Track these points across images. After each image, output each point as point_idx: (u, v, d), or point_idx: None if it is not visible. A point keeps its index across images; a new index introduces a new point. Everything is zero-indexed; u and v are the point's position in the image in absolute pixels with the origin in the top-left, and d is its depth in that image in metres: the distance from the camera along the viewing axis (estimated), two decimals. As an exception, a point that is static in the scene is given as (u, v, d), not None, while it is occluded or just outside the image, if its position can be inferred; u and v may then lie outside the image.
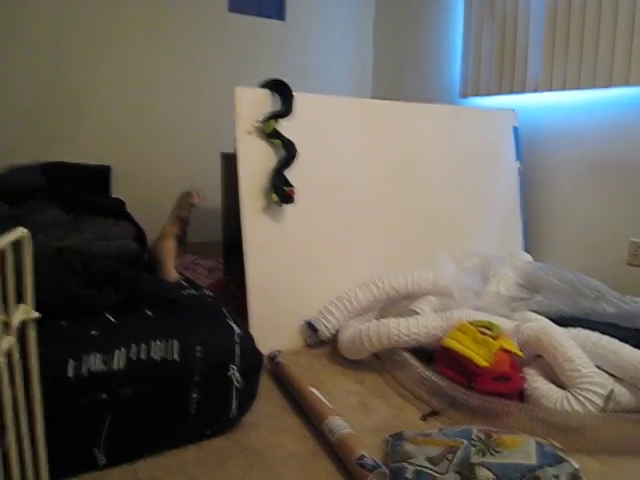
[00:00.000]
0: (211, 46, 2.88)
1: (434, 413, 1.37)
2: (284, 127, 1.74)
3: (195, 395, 1.16)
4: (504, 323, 1.55)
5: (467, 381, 1.38)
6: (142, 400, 1.10)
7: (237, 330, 1.25)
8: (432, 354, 1.53)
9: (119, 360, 1.09)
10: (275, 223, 1.75)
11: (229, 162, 2.03)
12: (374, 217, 1.96)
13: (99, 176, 2.38)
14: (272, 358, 1.58)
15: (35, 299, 1.17)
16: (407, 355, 1.53)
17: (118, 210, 2.07)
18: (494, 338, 1.42)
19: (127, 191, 2.50)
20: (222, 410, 1.22)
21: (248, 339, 1.26)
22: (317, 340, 1.75)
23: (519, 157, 2.39)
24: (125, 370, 1.08)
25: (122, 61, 2.70)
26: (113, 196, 2.36)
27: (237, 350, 1.21)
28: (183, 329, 1.20)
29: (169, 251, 1.56)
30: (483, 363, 1.36)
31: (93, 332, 1.13)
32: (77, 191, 2.04)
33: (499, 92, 2.51)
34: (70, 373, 1.04)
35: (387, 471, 1.05)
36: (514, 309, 1.73)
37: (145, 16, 2.72)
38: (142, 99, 2.74)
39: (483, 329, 1.47)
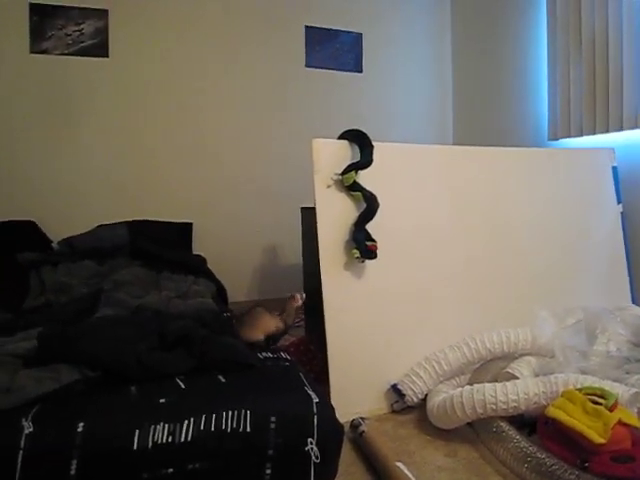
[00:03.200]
0: (290, 101, 2.91)
1: (541, 498, 1.20)
2: (364, 179, 1.68)
3: (269, 471, 1.07)
4: (618, 389, 1.37)
5: (579, 460, 1.21)
6: (210, 476, 1.03)
7: (315, 399, 1.16)
8: (534, 424, 1.38)
9: (187, 431, 1.02)
10: (356, 280, 1.68)
11: (308, 216, 1.99)
12: (463, 272, 1.86)
13: (181, 233, 2.41)
14: (355, 426, 1.49)
15: (104, 361, 1.16)
16: (505, 426, 1.38)
17: (199, 267, 2.08)
18: (609, 409, 1.24)
19: (209, 248, 2.52)
20: None
21: (327, 409, 1.17)
22: (404, 406, 1.65)
23: (620, 199, 2.21)
24: (193, 442, 1.01)
25: (201, 117, 2.75)
26: (194, 253, 2.38)
27: (315, 421, 1.12)
28: (257, 398, 1.12)
29: (264, 321, 1.55)
30: (599, 439, 1.18)
31: (162, 400, 1.07)
32: (159, 248, 2.06)
33: (593, 131, 2.33)
34: (135, 445, 0.97)
35: None
36: (629, 372, 1.54)
37: (227, 72, 2.79)
38: (223, 154, 2.78)
39: (595, 397, 1.30)
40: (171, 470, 1.00)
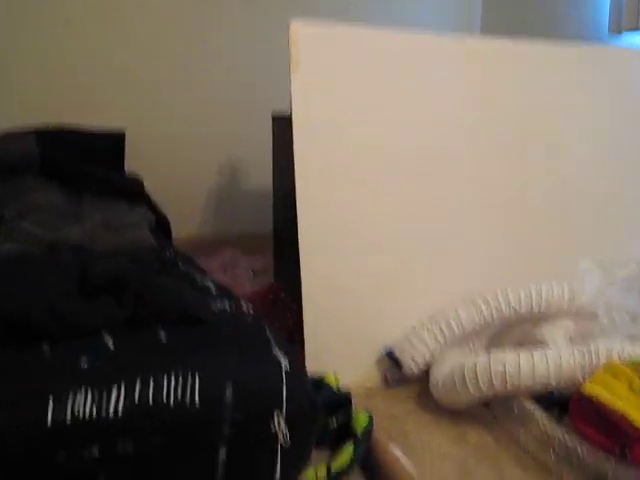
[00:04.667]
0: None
1: (569, 494, 1.27)
2: (357, 78, 1.68)
3: (223, 456, 1.10)
4: (676, 363, 1.41)
5: (619, 447, 1.27)
6: (147, 461, 1.05)
7: (285, 364, 1.18)
8: (565, 404, 1.43)
9: (117, 403, 1.02)
10: (343, 212, 1.70)
11: (282, 127, 1.97)
12: (481, 204, 1.89)
13: (111, 145, 2.37)
14: None
15: (3, 311, 1.15)
16: (530, 405, 1.43)
17: (134, 191, 2.06)
18: (663, 387, 1.29)
19: (148, 166, 2.50)
20: (261, 477, 1.16)
21: (300, 378, 1.20)
22: (401, 377, 1.71)
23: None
24: (124, 417, 1.02)
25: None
26: (128, 173, 2.35)
27: (284, 393, 1.14)
28: (208, 361, 1.14)
29: None
30: (646, 424, 1.23)
31: (84, 363, 1.08)
32: (81, 165, 2.03)
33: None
34: (48, 419, 0.98)
35: None
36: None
37: None
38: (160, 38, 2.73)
39: (645, 372, 1.34)
40: (96, 452, 1.01)
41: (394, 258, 1.78)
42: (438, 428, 1.51)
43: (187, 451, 1.09)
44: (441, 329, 1.67)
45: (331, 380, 1.51)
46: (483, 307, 1.68)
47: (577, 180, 2.04)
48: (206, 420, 1.09)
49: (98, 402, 1.02)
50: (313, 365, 1.59)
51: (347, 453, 1.32)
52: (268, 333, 1.28)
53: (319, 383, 1.50)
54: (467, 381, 1.48)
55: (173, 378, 1.09)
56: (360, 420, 1.37)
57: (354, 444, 1.33)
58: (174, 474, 1.09)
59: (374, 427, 1.38)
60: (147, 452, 1.05)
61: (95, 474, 1.02)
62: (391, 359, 1.69)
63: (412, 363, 1.67)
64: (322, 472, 1.30)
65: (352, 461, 1.30)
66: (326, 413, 1.46)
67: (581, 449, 1.29)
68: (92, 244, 1.61)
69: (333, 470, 1.30)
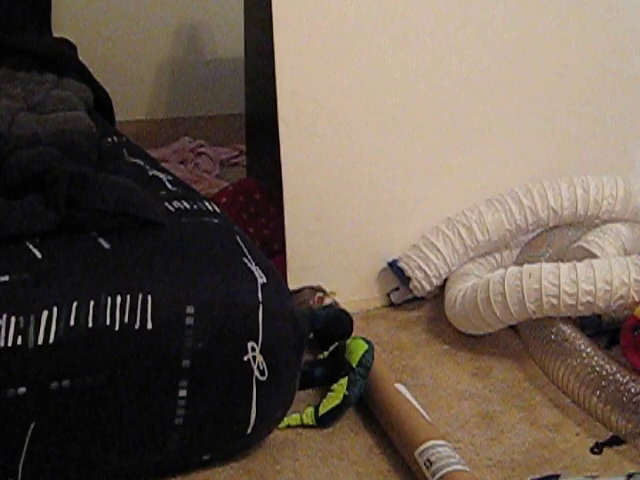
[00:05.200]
0: None
1: (616, 442, 1.31)
2: None
3: (183, 393, 1.12)
4: None
5: None
6: (88, 401, 1.07)
7: (261, 279, 1.19)
8: (616, 332, 1.47)
9: (47, 329, 1.03)
10: (336, 78, 1.69)
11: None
12: (505, 74, 1.85)
13: (29, 4, 2.31)
14: None
15: None
16: (571, 331, 1.44)
17: (63, 59, 2.02)
18: None
19: (81, 28, 2.45)
20: (231, 421, 1.19)
21: (281, 296, 1.22)
22: (408, 296, 1.74)
23: None
24: (57, 346, 1.03)
25: None
26: (56, 37, 2.31)
27: (260, 315, 1.16)
28: (163, 275, 1.14)
29: None
30: None
31: (3, 278, 1.07)
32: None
33: None
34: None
35: None
36: None
37: None
38: None
39: None
40: (22, 390, 1.02)
41: (404, 144, 1.77)
42: (455, 361, 1.54)
43: (138, 387, 1.10)
44: (460, 235, 1.68)
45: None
46: (514, 208, 1.68)
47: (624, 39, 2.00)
48: (161, 349, 1.10)
49: (23, 328, 1.02)
50: (297, 283, 1.62)
51: (339, 391, 1.33)
52: (239, 241, 1.28)
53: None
54: (492, 300, 1.49)
55: (119, 298, 1.09)
56: (357, 349, 1.38)
57: (348, 380, 1.34)
58: (121, 416, 1.11)
59: (374, 358, 1.38)
60: (87, 389, 1.07)
61: (24, 418, 1.04)
62: (396, 273, 1.71)
63: (423, 277, 1.68)
64: (309, 416, 1.33)
65: (345, 401, 1.32)
66: (315, 339, 1.50)
67: (634, 387, 1.30)
68: (10, 129, 1.58)
69: (321, 412, 1.33)
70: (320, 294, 1.64)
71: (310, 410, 1.33)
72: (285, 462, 1.25)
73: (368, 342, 1.39)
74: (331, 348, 1.45)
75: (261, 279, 1.19)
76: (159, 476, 1.19)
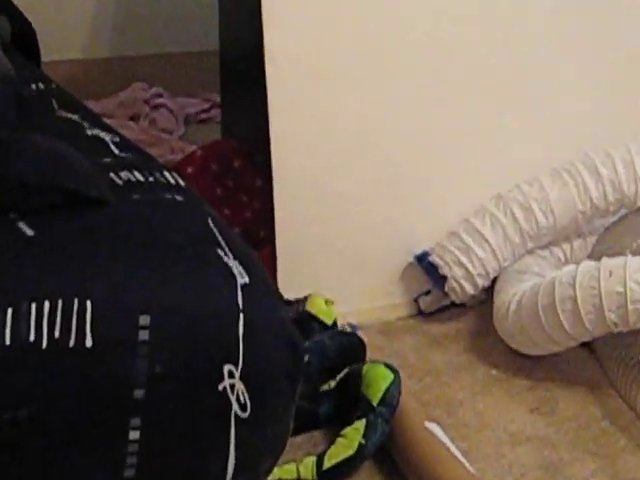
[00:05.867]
0: None
1: None
2: None
3: (135, 436, 1.10)
4: None
5: None
6: (4, 447, 1.06)
7: (241, 278, 1.19)
8: None
9: (-52, 346, 1.01)
10: (338, 15, 1.68)
11: None
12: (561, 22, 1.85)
13: None
14: None
15: None
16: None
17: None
18: None
19: None
20: (201, 474, 1.19)
21: (267, 300, 1.23)
22: (443, 302, 1.75)
23: None
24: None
25: None
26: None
27: (240, 327, 1.16)
28: (107, 273, 1.13)
29: None
30: None
31: None
32: None
33: None
34: None
35: None
36: None
37: None
38: None
39: None
40: None
41: (425, 106, 1.79)
42: (507, 391, 1.54)
43: (72, 427, 1.08)
44: (515, 219, 1.68)
45: (319, 308, 1.51)
46: (589, 181, 1.67)
47: None
48: (104, 375, 1.08)
49: None
50: (290, 284, 1.61)
51: (353, 438, 1.33)
52: (212, 225, 1.28)
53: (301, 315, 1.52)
54: (559, 308, 1.48)
55: (47, 305, 1.07)
56: (377, 380, 1.37)
57: (367, 423, 1.33)
58: (50, 466, 1.09)
59: (401, 392, 1.38)
60: (3, 429, 1.05)
61: None
62: (426, 270, 1.72)
63: (463, 276, 1.68)
64: (308, 469, 1.32)
65: (360, 453, 1.31)
66: (317, 365, 1.48)
67: None
68: None
69: (327, 465, 1.32)
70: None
71: (311, 461, 1.33)
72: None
73: (393, 370, 1.38)
74: (340, 375, 1.44)
75: (242, 278, 1.19)
76: None
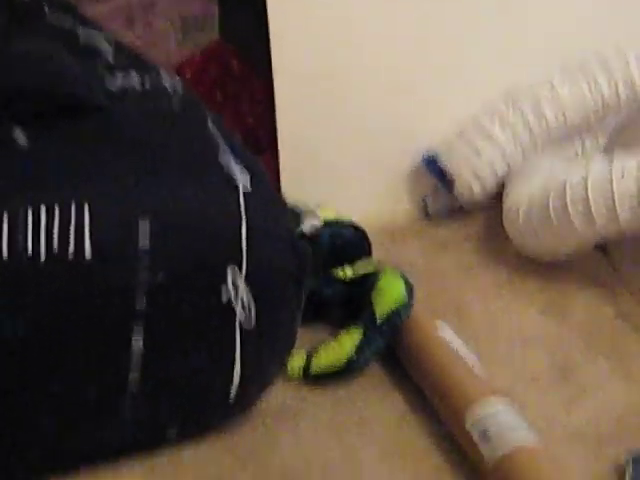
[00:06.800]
0: None
1: None
2: None
3: (138, 346, 1.11)
4: None
5: None
6: (3, 363, 1.06)
7: (244, 184, 1.18)
8: None
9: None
10: None
11: None
12: None
13: None
14: None
15: None
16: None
17: None
18: None
19: None
20: (206, 383, 1.19)
21: (271, 206, 1.22)
22: (451, 204, 1.74)
23: None
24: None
25: None
26: None
27: (243, 235, 1.15)
28: (105, 179, 1.13)
29: None
30: None
31: None
32: None
33: None
34: None
35: None
36: None
37: None
38: None
39: None
40: None
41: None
42: (518, 293, 1.54)
43: (73, 341, 1.09)
44: (524, 117, 1.66)
45: (326, 212, 1.50)
46: (601, 79, 1.65)
47: None
48: (105, 286, 1.08)
49: None
50: (294, 189, 1.60)
51: (344, 346, 1.31)
52: (212, 130, 1.26)
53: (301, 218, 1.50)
54: (570, 210, 1.47)
55: (43, 212, 1.07)
56: (389, 291, 1.35)
57: (363, 335, 1.31)
58: (50, 381, 1.10)
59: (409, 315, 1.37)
60: (2, 345, 1.05)
61: None
62: (434, 172, 1.70)
63: (472, 178, 1.67)
64: (294, 368, 1.33)
65: (348, 368, 1.31)
66: (323, 266, 1.47)
67: None
68: None
69: (313, 370, 1.32)
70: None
71: (300, 359, 1.33)
72: (283, 438, 1.25)
73: (408, 287, 1.36)
74: (360, 271, 1.42)
75: (244, 184, 1.18)
76: (109, 458, 1.20)
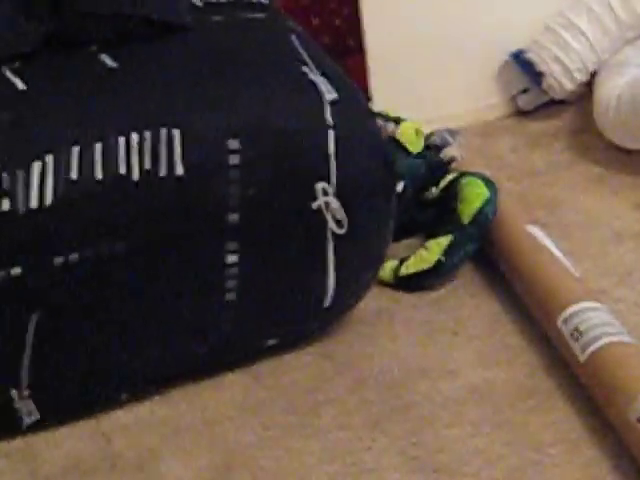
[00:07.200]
0: None
1: None
2: None
3: (233, 259, 1.14)
4: None
5: None
6: (104, 279, 1.09)
7: (329, 94, 1.18)
8: None
9: (41, 187, 1.03)
10: None
11: None
12: None
13: None
14: (427, 146, 1.54)
15: None
16: None
17: None
18: None
19: None
20: (301, 291, 1.22)
21: (358, 114, 1.22)
22: (542, 99, 1.73)
23: None
24: (56, 209, 1.04)
25: None
26: None
27: (331, 144, 1.15)
28: (192, 99, 1.14)
29: None
30: None
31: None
32: None
33: None
34: None
35: None
36: None
37: None
38: None
39: None
40: (17, 270, 1.04)
41: None
42: (610, 189, 1.52)
43: (169, 256, 1.12)
44: (612, 9, 1.63)
45: (408, 137, 1.48)
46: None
47: None
48: (197, 202, 1.11)
49: (9, 188, 1.03)
50: (383, 92, 1.61)
51: (433, 252, 1.33)
52: (295, 42, 1.26)
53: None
54: (660, 101, 1.45)
55: (134, 136, 1.08)
56: (472, 195, 1.35)
57: (452, 240, 1.33)
58: (151, 295, 1.14)
59: (497, 207, 1.36)
60: (102, 262, 1.08)
61: (22, 307, 1.07)
62: (523, 68, 1.69)
63: (561, 72, 1.65)
64: (387, 272, 1.35)
65: (437, 269, 1.33)
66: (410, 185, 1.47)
67: None
68: None
69: (403, 272, 1.34)
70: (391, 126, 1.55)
71: (392, 265, 1.35)
72: (379, 342, 1.26)
73: (490, 186, 1.35)
74: (443, 184, 1.43)
75: (329, 94, 1.17)
76: (212, 369, 1.22)
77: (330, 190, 1.16)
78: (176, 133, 1.09)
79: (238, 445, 1.12)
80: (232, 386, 1.21)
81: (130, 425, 1.17)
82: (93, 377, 1.16)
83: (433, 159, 1.46)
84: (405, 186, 1.33)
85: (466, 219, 1.32)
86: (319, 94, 1.18)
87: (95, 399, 1.18)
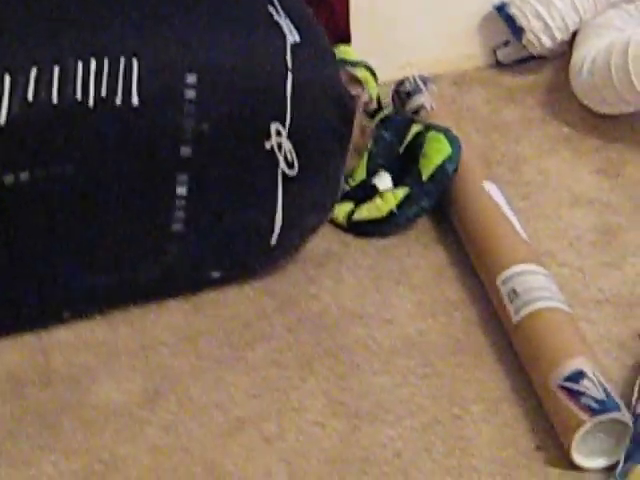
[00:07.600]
0: None
1: None
2: None
3: (182, 191, 1.15)
4: None
5: None
6: (54, 200, 1.10)
7: (292, 36, 1.18)
8: None
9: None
10: None
11: None
12: None
13: None
14: (401, 92, 1.56)
15: None
16: None
17: None
18: None
19: None
20: (248, 227, 1.23)
21: (319, 59, 1.22)
22: (520, 54, 1.72)
23: None
24: (9, 129, 1.05)
25: None
26: None
27: (288, 86, 1.16)
28: (152, 31, 1.14)
29: None
30: None
31: None
32: None
33: None
34: None
35: (629, 421, 1.01)
36: None
37: None
38: None
39: None
40: None
41: None
42: (576, 150, 1.52)
43: (119, 182, 1.13)
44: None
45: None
46: None
47: None
48: (151, 133, 1.12)
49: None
50: (362, 33, 1.60)
51: (388, 201, 1.34)
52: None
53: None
54: (632, 70, 1.46)
55: (93, 62, 1.09)
56: (434, 151, 1.35)
57: (408, 194, 1.34)
58: (98, 219, 1.15)
59: (458, 164, 1.35)
60: (52, 183, 1.10)
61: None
62: (505, 21, 1.68)
63: (541, 29, 1.64)
64: (342, 215, 1.35)
65: (388, 220, 1.34)
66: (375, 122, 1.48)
67: None
68: None
69: (357, 217, 1.35)
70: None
71: (347, 208, 1.35)
72: (323, 283, 1.28)
73: (453, 141, 1.35)
74: (409, 138, 1.42)
75: (292, 37, 1.18)
76: (155, 296, 1.24)
77: (283, 131, 1.16)
78: (135, 63, 1.09)
79: (170, 371, 1.14)
80: (173, 313, 1.23)
81: (69, 343, 1.18)
82: (36, 294, 1.18)
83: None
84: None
85: (425, 175, 1.31)
86: (281, 35, 1.17)
87: (37, 315, 1.20)
